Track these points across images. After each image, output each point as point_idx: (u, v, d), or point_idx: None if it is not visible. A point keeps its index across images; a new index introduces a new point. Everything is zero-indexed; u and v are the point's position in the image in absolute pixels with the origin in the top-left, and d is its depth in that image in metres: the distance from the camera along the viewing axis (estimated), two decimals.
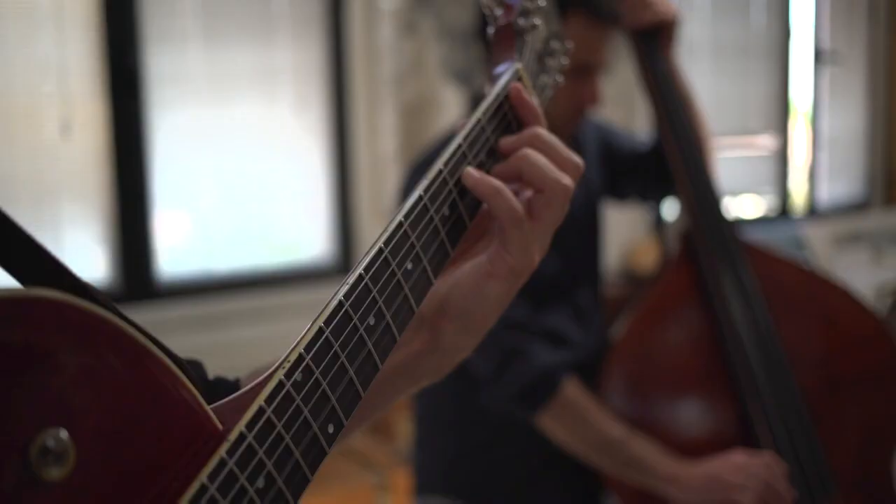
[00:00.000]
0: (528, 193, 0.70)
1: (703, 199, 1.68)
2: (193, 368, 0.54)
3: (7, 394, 0.41)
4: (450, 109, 3.43)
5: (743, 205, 4.85)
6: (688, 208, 1.69)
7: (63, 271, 0.52)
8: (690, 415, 1.64)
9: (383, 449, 3.04)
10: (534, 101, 0.75)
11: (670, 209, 1.89)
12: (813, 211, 5.15)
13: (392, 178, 3.31)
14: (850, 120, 5.29)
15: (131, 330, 0.46)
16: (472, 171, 0.68)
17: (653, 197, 1.88)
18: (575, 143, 1.73)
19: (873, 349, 1.72)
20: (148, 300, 2.96)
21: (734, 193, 4.72)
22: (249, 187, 3.25)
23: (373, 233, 3.36)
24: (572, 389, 1.55)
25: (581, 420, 1.54)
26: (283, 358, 0.54)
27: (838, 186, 5.29)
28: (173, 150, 3.07)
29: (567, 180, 0.69)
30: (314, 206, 3.39)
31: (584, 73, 1.58)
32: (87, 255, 2.95)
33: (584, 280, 1.75)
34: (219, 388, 0.54)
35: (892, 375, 1.71)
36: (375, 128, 3.39)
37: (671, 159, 1.70)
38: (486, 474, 1.69)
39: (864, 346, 1.72)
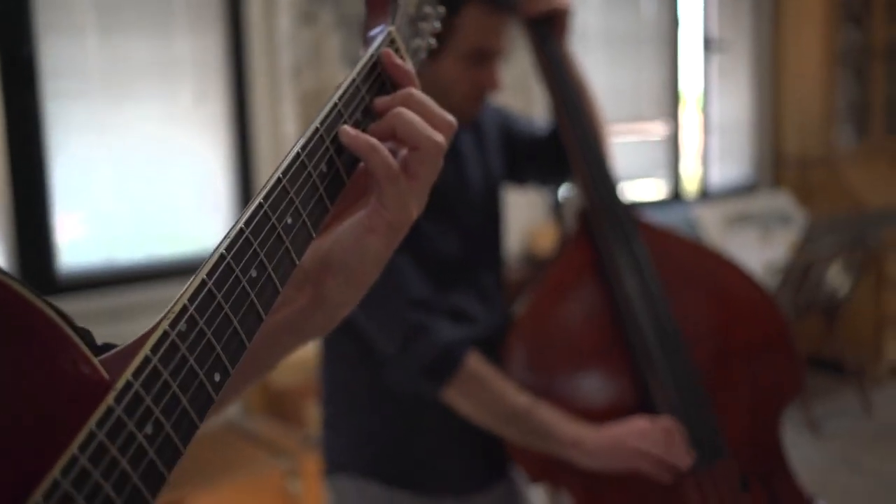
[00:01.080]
0: (404, 152, 0.72)
1: (597, 178, 1.73)
2: (83, 335, 0.55)
3: None
4: None
5: (638, 189, 4.98)
6: (583, 188, 1.73)
7: None
8: (590, 387, 1.68)
9: (292, 435, 3.06)
10: (407, 63, 0.78)
11: (567, 192, 1.95)
12: (704, 193, 5.31)
13: None
14: (738, 106, 5.46)
15: (13, 283, 0.47)
16: (347, 129, 0.70)
17: (552, 181, 1.93)
18: (475, 128, 1.77)
19: (761, 321, 1.78)
20: (49, 294, 2.91)
21: (629, 179, 4.84)
22: (150, 178, 3.21)
23: None
24: (475, 362, 1.57)
25: (486, 392, 1.56)
26: (167, 309, 0.55)
27: (728, 170, 5.47)
28: (71, 141, 3.01)
29: (440, 137, 0.71)
30: (215, 195, 3.37)
31: (482, 60, 1.60)
32: None
33: (486, 263, 1.77)
34: (107, 352, 0.55)
35: (779, 345, 1.77)
36: (276, 117, 3.39)
37: (566, 141, 1.75)
38: (395, 451, 1.71)
39: (752, 317, 1.78)
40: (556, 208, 3.93)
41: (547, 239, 3.96)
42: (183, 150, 3.29)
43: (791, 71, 5.41)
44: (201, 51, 3.30)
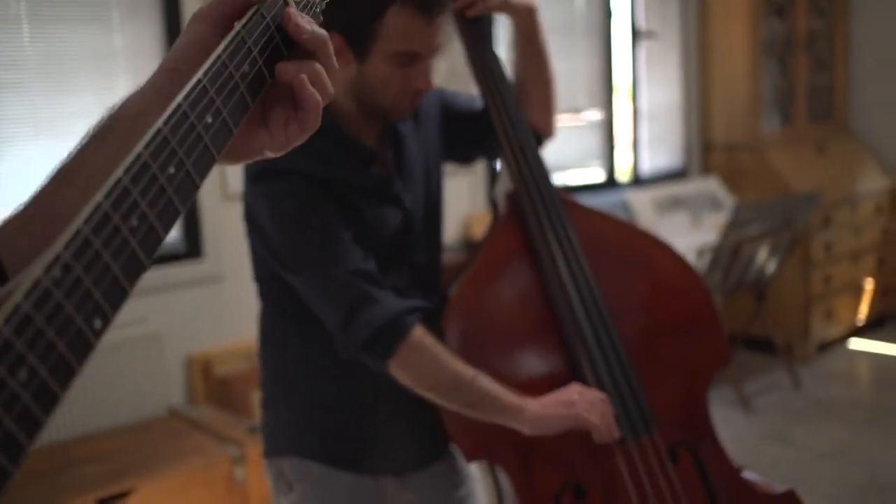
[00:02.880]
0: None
1: (525, 160, 1.76)
2: None
3: None
4: None
5: (574, 176, 5.08)
6: (511, 170, 1.77)
7: None
8: (522, 366, 1.70)
9: (238, 423, 3.09)
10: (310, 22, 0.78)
11: (498, 175, 1.98)
12: (637, 179, 5.43)
13: None
14: (668, 94, 5.58)
15: None
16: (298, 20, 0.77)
17: (495, 154, 1.92)
18: (414, 113, 1.76)
19: (688, 299, 1.83)
20: None
21: (566, 166, 4.93)
22: None
23: (218, 215, 3.38)
24: (420, 333, 1.57)
25: (431, 362, 1.57)
26: (40, 257, 0.52)
27: (659, 156, 5.58)
28: (6, 136, 3.00)
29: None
30: None
31: (413, 61, 1.58)
32: None
33: (425, 244, 1.78)
34: None
35: (705, 323, 1.82)
36: None
37: (495, 126, 1.78)
38: (335, 432, 1.72)
39: (679, 295, 1.82)
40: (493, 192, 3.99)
41: (485, 225, 4.01)
42: None
43: (718, 61, 5.54)
44: (138, 42, 3.26)
